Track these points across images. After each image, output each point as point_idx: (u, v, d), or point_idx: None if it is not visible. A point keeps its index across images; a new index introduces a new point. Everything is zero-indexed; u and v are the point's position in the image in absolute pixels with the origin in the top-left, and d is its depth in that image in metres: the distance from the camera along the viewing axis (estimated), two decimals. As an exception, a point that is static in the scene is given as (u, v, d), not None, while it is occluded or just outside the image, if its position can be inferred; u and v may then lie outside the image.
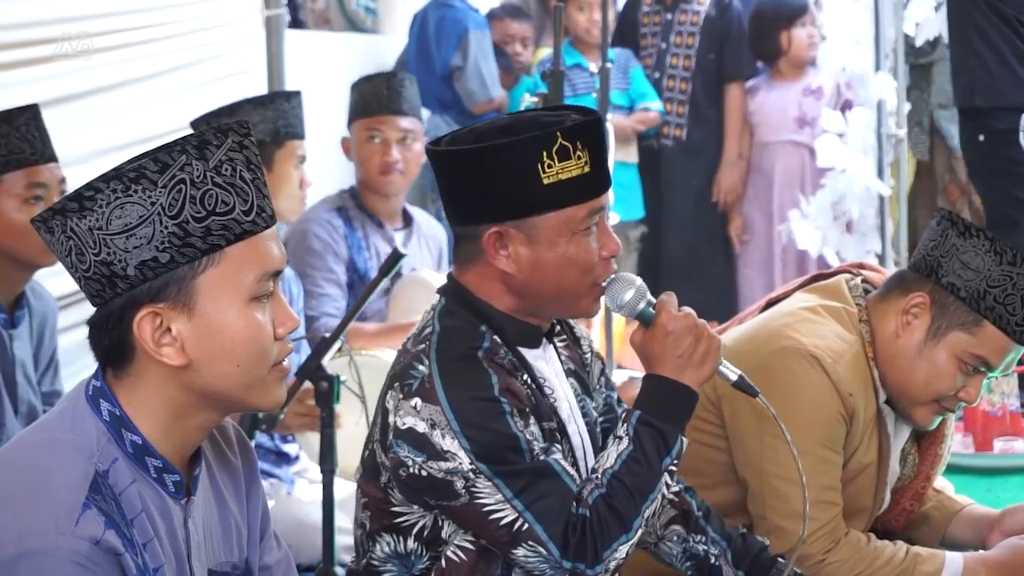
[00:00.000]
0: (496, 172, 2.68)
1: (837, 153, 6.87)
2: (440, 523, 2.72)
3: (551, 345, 2.88)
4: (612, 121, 5.78)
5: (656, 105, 7.36)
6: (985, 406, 4.45)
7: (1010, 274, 3.04)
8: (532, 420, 2.69)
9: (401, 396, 2.67)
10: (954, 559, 3.14)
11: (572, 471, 2.70)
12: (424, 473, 2.64)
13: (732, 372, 2.80)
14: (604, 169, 2.74)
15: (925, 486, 3.36)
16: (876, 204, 6.91)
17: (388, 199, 5.22)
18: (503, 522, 2.62)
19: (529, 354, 2.80)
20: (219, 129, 2.13)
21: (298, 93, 4.85)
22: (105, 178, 2.09)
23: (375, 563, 2.77)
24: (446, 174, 2.76)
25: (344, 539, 3.74)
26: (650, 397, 2.73)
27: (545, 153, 2.65)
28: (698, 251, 7.56)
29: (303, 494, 4.55)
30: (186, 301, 2.11)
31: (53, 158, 3.89)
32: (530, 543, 2.62)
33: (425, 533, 2.72)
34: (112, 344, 2.14)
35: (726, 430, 3.20)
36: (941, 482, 3.49)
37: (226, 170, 2.12)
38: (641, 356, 2.80)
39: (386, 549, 2.76)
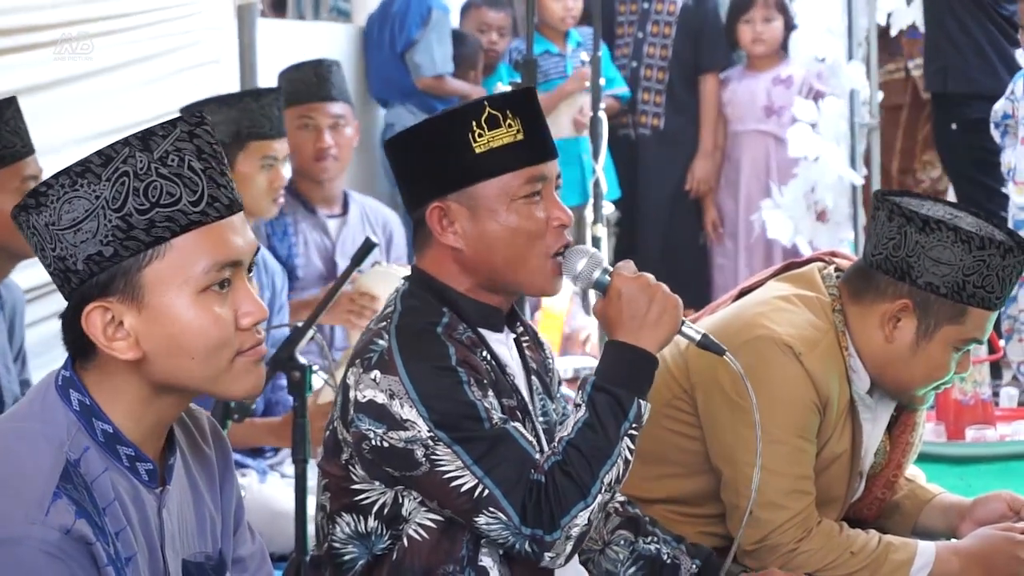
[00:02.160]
0: (431, 147, 2.75)
1: (810, 142, 6.87)
2: (400, 500, 2.73)
3: (512, 335, 2.89)
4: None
5: (623, 91, 7.32)
6: (957, 395, 4.45)
7: (982, 258, 3.05)
8: (491, 393, 2.71)
9: (361, 370, 2.70)
10: (926, 548, 3.15)
11: (531, 438, 2.71)
12: (386, 444, 2.66)
13: (696, 332, 2.81)
14: (541, 138, 2.78)
15: (897, 474, 3.37)
16: (849, 193, 6.92)
17: (322, 185, 5.34)
18: (464, 489, 2.64)
19: (490, 336, 2.82)
20: (169, 120, 2.12)
21: (272, 90, 4.81)
22: (57, 174, 2.08)
23: (336, 545, 2.78)
24: (393, 161, 2.84)
25: (317, 529, 3.73)
26: (606, 363, 2.74)
27: (475, 122, 2.71)
28: (673, 240, 7.54)
29: (276, 486, 4.54)
30: (134, 294, 2.09)
31: (34, 149, 3.87)
32: (491, 509, 2.63)
33: (385, 511, 2.73)
34: (75, 337, 2.13)
35: (699, 419, 3.20)
36: (913, 470, 3.49)
37: (172, 160, 2.09)
38: (602, 325, 2.82)
39: (346, 530, 2.77)
